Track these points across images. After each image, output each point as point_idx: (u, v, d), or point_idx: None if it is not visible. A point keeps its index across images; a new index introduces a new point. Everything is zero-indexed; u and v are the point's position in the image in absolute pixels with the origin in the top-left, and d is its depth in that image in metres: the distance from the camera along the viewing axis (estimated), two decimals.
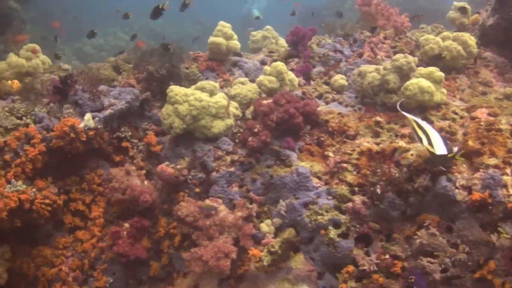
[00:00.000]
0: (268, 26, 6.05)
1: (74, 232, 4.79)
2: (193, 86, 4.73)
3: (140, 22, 19.61)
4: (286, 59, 5.36)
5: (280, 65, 4.81)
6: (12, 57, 5.69)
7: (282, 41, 6.20)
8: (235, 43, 5.41)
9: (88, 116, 4.63)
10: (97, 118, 4.68)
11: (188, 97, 4.56)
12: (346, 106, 4.99)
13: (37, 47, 5.74)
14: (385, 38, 5.66)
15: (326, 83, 5.25)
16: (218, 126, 4.56)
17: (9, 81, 5.23)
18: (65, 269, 4.61)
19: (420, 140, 3.71)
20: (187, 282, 4.35)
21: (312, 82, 5.23)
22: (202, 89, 4.64)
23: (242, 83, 4.93)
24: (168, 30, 18.03)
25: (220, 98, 4.61)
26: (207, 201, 4.24)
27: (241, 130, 4.70)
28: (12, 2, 8.43)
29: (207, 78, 5.29)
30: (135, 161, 4.86)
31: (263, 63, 5.52)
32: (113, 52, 6.38)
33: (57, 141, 4.57)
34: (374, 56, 5.42)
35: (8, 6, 8.32)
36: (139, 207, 4.56)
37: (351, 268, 3.98)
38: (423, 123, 3.73)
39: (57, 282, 4.56)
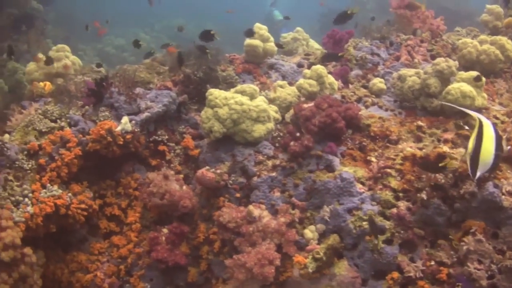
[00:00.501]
0: (299, 28, 5.97)
1: (110, 237, 4.71)
2: (232, 89, 4.64)
3: (162, 23, 19.63)
4: (323, 62, 5.26)
5: (320, 68, 4.72)
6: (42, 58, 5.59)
7: (313, 43, 6.12)
8: (272, 46, 5.32)
9: (125, 119, 4.54)
10: (133, 122, 4.60)
11: (228, 101, 4.47)
12: (386, 110, 4.89)
13: (68, 63, 5.63)
14: (421, 41, 5.57)
15: (364, 87, 5.16)
16: (259, 130, 4.47)
17: (41, 83, 5.14)
18: (100, 275, 4.53)
19: (469, 147, 3.58)
20: None
21: (350, 86, 5.14)
22: (242, 92, 4.55)
23: (281, 86, 4.84)
24: (190, 30, 17.92)
25: (260, 101, 4.52)
26: (251, 207, 4.15)
27: (281, 134, 4.61)
28: (34, 3, 8.37)
29: (244, 81, 5.20)
30: (172, 165, 4.78)
31: (300, 65, 5.43)
32: (135, 53, 6.30)
33: (93, 144, 4.48)
34: (411, 59, 5.33)
35: (31, 7, 8.24)
36: (177, 212, 4.47)
37: (395, 274, 3.89)
38: (487, 126, 3.55)
39: None
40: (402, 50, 5.44)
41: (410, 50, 5.41)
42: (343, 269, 4.09)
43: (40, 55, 5.62)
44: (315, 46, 6.14)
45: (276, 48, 5.42)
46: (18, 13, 8.12)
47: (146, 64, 5.34)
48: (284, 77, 5.32)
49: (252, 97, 4.56)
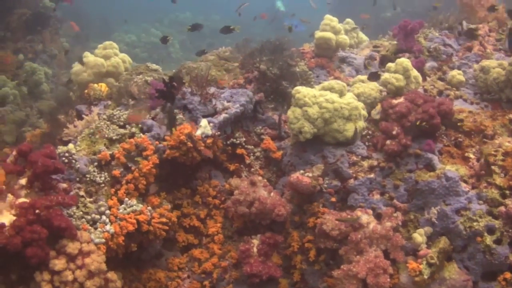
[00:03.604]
0: (348, 19, 5.67)
1: (188, 251, 4.33)
2: (318, 86, 4.32)
3: (169, 17, 19.24)
4: (395, 54, 4.99)
5: (405, 61, 4.45)
6: (89, 57, 5.12)
7: (362, 35, 5.84)
8: (344, 38, 5.01)
9: (204, 122, 4.16)
10: (212, 124, 4.21)
11: (317, 99, 4.15)
12: (472, 103, 4.67)
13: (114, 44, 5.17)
14: (490, 30, 5.36)
15: (440, 79, 4.91)
16: (352, 129, 4.17)
17: (97, 85, 4.68)
18: None
19: None
20: None
21: (427, 78, 4.88)
22: (331, 89, 4.24)
23: (362, 81, 4.54)
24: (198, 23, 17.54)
25: (351, 98, 4.22)
26: (359, 213, 3.86)
27: (370, 132, 4.32)
28: (46, 1, 7.79)
29: (317, 76, 4.88)
30: (252, 169, 4.42)
31: (371, 58, 5.13)
32: (147, 49, 5.89)
33: (172, 151, 4.10)
34: (484, 49, 5.12)
35: (43, 5, 7.67)
36: (266, 221, 4.13)
37: (508, 275, 3.71)
38: None
39: None
40: (473, 40, 5.22)
41: (481, 40, 5.19)
42: (453, 272, 3.86)
43: (87, 54, 5.14)
44: (364, 38, 5.86)
45: (348, 40, 5.10)
46: (30, 13, 7.57)
47: (211, 61, 4.92)
48: (357, 71, 5.02)
49: (341, 94, 4.26)
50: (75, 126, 4.38)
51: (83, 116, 4.44)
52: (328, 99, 4.15)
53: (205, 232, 4.34)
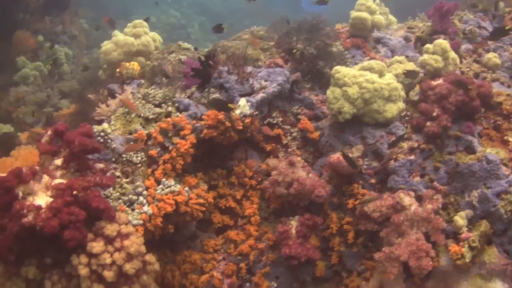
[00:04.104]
0: (378, 1, 5.58)
1: (223, 232, 4.28)
2: (357, 66, 4.26)
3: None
4: (431, 35, 4.91)
5: (443, 43, 4.38)
6: (119, 35, 5.04)
7: (391, 16, 5.76)
8: (380, 18, 4.93)
9: (243, 101, 4.10)
10: (249, 103, 4.15)
11: (357, 79, 4.09)
12: (508, 86, 4.60)
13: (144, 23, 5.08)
14: None
15: (476, 61, 4.84)
16: (391, 110, 4.12)
17: (130, 63, 4.60)
18: (217, 275, 4.10)
19: None
20: (373, 283, 3.91)
21: (463, 61, 4.81)
22: (370, 69, 4.18)
23: (400, 62, 4.47)
24: (216, 4, 17.43)
25: (391, 79, 4.16)
26: (402, 195, 3.81)
27: (408, 113, 4.26)
28: None
29: (353, 56, 4.80)
30: (289, 149, 4.36)
31: (406, 39, 5.06)
32: (166, 30, 5.78)
33: (209, 131, 4.03)
34: None
35: None
36: (304, 202, 4.09)
37: None
38: None
39: None
40: (505, 22, 5.14)
41: None
42: (493, 256, 3.81)
43: (116, 32, 5.05)
44: (393, 19, 5.79)
45: (384, 21, 5.02)
46: None
47: (246, 40, 4.84)
48: (393, 52, 4.95)
49: (380, 74, 4.20)
50: (107, 105, 4.31)
51: (116, 95, 4.37)
52: (368, 79, 4.09)
53: (241, 213, 4.29)
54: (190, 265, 4.12)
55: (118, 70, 4.56)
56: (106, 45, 5.01)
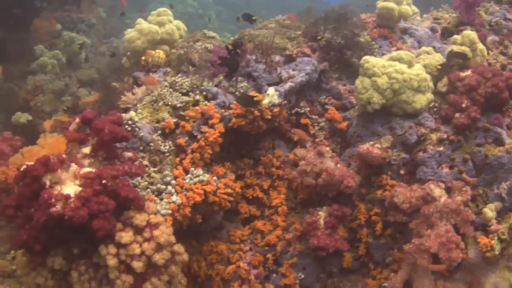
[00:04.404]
0: None
1: (250, 223, 4.27)
2: (386, 57, 4.23)
3: None
4: (457, 26, 4.88)
5: (472, 34, 4.37)
6: (143, 24, 5.00)
7: (414, 7, 5.71)
8: (407, 9, 4.89)
9: (272, 90, 4.08)
10: (277, 93, 4.12)
11: (386, 69, 4.07)
12: None
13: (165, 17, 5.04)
14: None
15: (502, 53, 4.82)
16: (420, 100, 4.10)
17: (155, 51, 4.58)
18: (244, 265, 4.08)
19: None
20: (401, 275, 3.90)
21: (489, 52, 4.79)
22: (399, 60, 4.15)
23: (428, 53, 4.44)
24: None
25: (420, 70, 4.14)
26: (432, 186, 3.79)
27: (436, 104, 4.24)
28: None
29: (380, 47, 4.77)
30: (317, 139, 4.35)
31: (432, 30, 5.03)
32: (183, 19, 5.69)
33: (238, 120, 4.02)
34: None
35: None
36: (332, 193, 4.07)
37: None
38: None
39: (235, 281, 4.03)
40: None
41: None
42: None
43: (140, 20, 5.02)
44: (416, 10, 5.74)
45: (411, 11, 4.98)
46: None
47: (272, 29, 4.81)
48: (419, 43, 4.92)
49: (410, 65, 4.17)
50: (133, 94, 4.29)
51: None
52: (398, 69, 4.06)
53: (268, 203, 4.28)
54: (216, 255, 4.10)
55: (143, 58, 4.54)
56: (130, 33, 4.99)
